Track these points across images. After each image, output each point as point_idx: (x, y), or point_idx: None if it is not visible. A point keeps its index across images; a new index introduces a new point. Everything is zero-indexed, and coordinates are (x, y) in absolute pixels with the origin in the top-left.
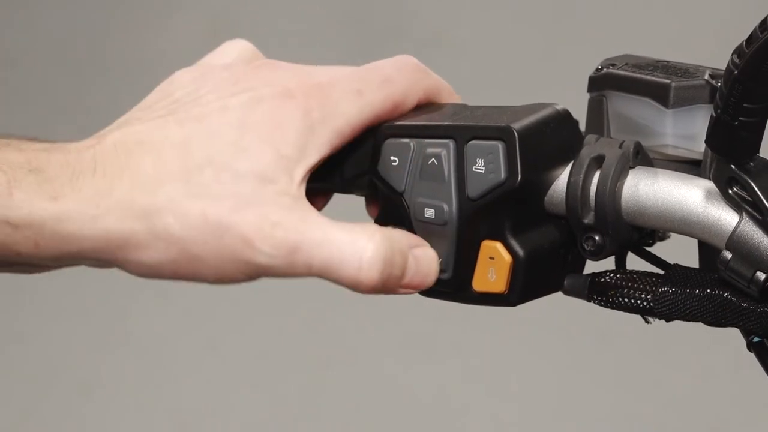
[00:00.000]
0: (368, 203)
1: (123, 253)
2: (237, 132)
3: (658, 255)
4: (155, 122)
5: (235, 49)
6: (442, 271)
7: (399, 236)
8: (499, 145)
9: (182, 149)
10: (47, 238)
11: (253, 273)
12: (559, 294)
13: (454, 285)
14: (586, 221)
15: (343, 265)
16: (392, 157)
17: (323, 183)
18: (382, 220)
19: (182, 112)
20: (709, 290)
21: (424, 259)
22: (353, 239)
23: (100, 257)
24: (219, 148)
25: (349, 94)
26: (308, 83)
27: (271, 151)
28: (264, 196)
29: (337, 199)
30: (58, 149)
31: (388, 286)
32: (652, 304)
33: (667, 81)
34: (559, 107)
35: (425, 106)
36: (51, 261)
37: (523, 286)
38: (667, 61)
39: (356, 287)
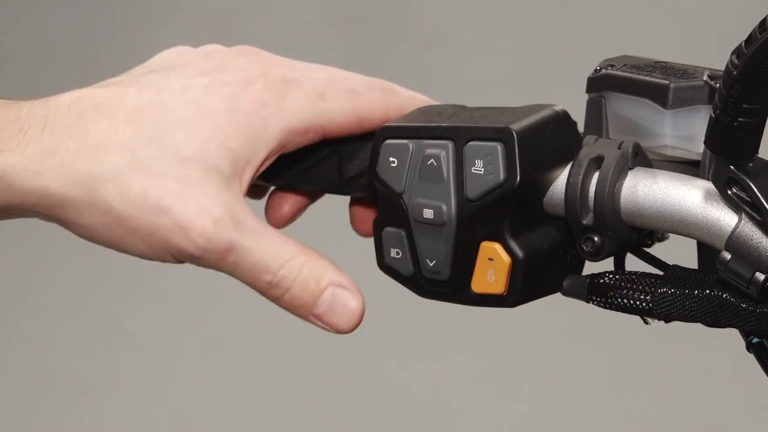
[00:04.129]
0: (351, 204)
1: (61, 212)
2: (190, 113)
3: (657, 256)
4: (117, 88)
5: (240, 46)
6: (439, 272)
7: (324, 267)
8: (498, 146)
9: (134, 118)
10: None
11: (180, 258)
12: (559, 295)
13: (452, 286)
14: (585, 222)
15: (263, 274)
16: (391, 158)
17: (321, 184)
18: (381, 221)
19: (146, 83)
20: (708, 291)
21: (341, 301)
22: (280, 252)
23: (42, 213)
24: (170, 125)
25: (312, 95)
26: (274, 75)
27: (219, 141)
28: (207, 186)
29: (337, 200)
30: (12, 106)
31: (297, 307)
32: (651, 305)
33: (666, 82)
34: (558, 108)
35: (424, 107)
36: None
37: (522, 287)
38: (666, 62)
39: (269, 296)
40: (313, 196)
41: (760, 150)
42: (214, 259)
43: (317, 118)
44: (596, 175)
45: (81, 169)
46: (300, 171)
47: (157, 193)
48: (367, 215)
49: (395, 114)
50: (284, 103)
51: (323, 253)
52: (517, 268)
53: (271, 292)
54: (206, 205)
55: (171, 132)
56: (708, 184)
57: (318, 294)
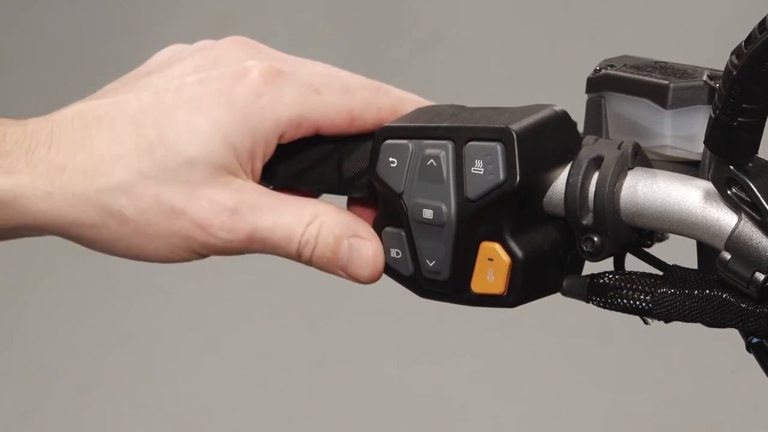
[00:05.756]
0: (349, 205)
1: (77, 230)
2: (188, 112)
3: (657, 256)
4: (117, 97)
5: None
6: (439, 272)
7: (340, 221)
8: (498, 147)
9: (136, 125)
10: (2, 210)
11: (206, 253)
12: (558, 295)
13: (452, 286)
14: (584, 222)
15: (288, 246)
16: (391, 158)
17: (320, 184)
18: (380, 221)
19: (144, 86)
20: (707, 291)
21: (356, 252)
22: (300, 221)
23: (55, 232)
24: (171, 127)
25: (307, 89)
26: (269, 68)
27: (220, 137)
28: (216, 183)
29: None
30: (18, 124)
31: (324, 264)
32: (650, 305)
33: (666, 82)
34: (558, 108)
35: (424, 107)
36: (8, 232)
37: (522, 288)
38: (666, 62)
39: (299, 261)
40: (312, 196)
41: (760, 150)
42: (239, 247)
43: (311, 111)
44: (596, 175)
45: (91, 188)
46: (299, 171)
47: (169, 198)
48: (366, 215)
49: (387, 114)
50: (279, 94)
51: None
52: (516, 268)
53: (302, 257)
54: (219, 199)
55: (173, 134)
56: (708, 184)
57: (337, 248)
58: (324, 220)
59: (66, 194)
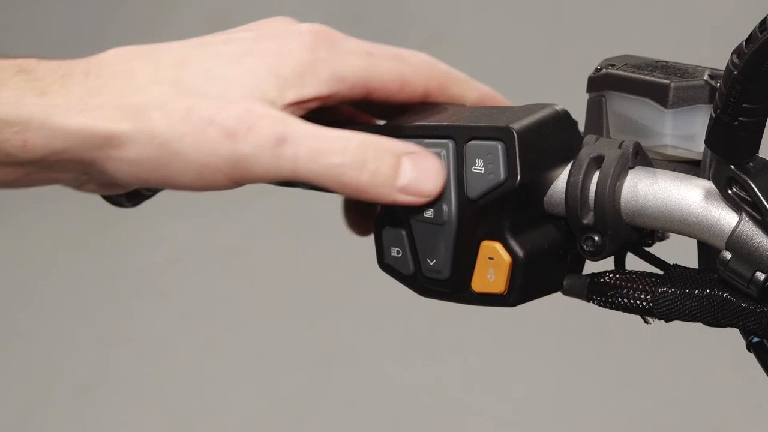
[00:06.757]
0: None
1: (106, 150)
2: (238, 54)
3: (658, 255)
4: (159, 44)
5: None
6: (439, 271)
7: (391, 140)
8: (499, 146)
9: (180, 64)
10: (34, 132)
11: (234, 172)
12: (559, 294)
13: (453, 285)
14: (585, 221)
15: (329, 156)
16: None
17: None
18: (381, 220)
19: (188, 41)
20: (708, 290)
21: (423, 164)
22: (340, 135)
23: (85, 156)
24: (217, 63)
25: (359, 50)
26: (325, 29)
27: (267, 69)
28: (252, 98)
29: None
30: (51, 59)
31: (379, 185)
32: (651, 305)
33: (667, 81)
34: (559, 107)
35: (424, 106)
36: (38, 162)
37: (523, 287)
38: (666, 62)
39: (341, 181)
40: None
41: (760, 150)
42: (271, 157)
43: (364, 71)
44: (597, 175)
45: (126, 102)
46: None
47: (201, 109)
48: (366, 215)
49: (436, 86)
50: (333, 51)
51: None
52: (517, 267)
53: (347, 176)
54: (251, 108)
55: (218, 68)
56: (708, 184)
57: (396, 164)
58: (368, 135)
59: (100, 111)
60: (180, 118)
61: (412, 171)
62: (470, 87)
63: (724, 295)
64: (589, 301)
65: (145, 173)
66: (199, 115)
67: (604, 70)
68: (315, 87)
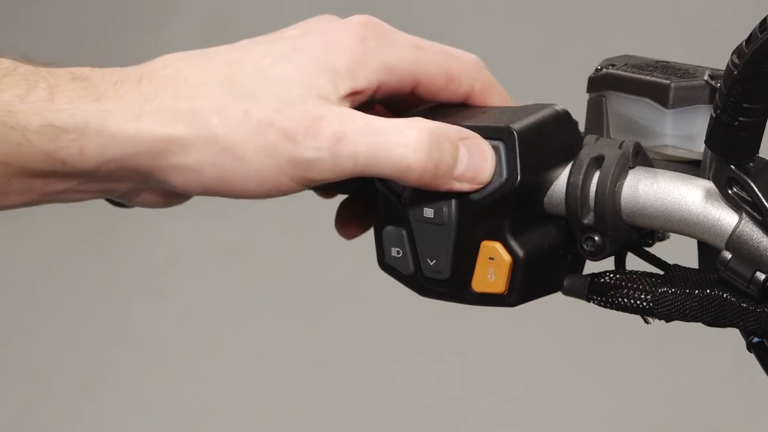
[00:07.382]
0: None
1: (166, 157)
2: (288, 51)
3: (658, 255)
4: (210, 48)
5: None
6: (440, 271)
7: (446, 126)
8: (499, 146)
9: (231, 66)
10: (91, 139)
11: (297, 173)
12: (559, 294)
13: (453, 285)
14: (585, 221)
15: (390, 148)
16: None
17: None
18: (381, 220)
19: (235, 44)
20: (708, 291)
21: (477, 150)
22: (398, 126)
23: (143, 163)
24: (269, 62)
25: (408, 43)
26: (370, 21)
27: (319, 64)
28: (308, 98)
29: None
30: (103, 68)
31: (440, 174)
32: (651, 305)
33: (667, 81)
34: (559, 107)
35: (426, 106)
36: (94, 171)
37: (523, 287)
38: (667, 62)
39: (405, 173)
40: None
41: (760, 150)
42: (331, 156)
43: (413, 63)
44: (597, 175)
45: (181, 107)
46: None
47: (258, 112)
48: (365, 215)
49: (480, 89)
50: (383, 42)
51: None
52: (517, 267)
53: (411, 169)
54: (307, 110)
55: (270, 68)
56: (709, 184)
57: (456, 152)
58: (425, 123)
59: (156, 117)
60: (238, 121)
61: (468, 158)
62: (505, 97)
63: (725, 295)
64: (589, 301)
65: (206, 179)
66: (256, 118)
67: (604, 70)
68: (366, 77)
